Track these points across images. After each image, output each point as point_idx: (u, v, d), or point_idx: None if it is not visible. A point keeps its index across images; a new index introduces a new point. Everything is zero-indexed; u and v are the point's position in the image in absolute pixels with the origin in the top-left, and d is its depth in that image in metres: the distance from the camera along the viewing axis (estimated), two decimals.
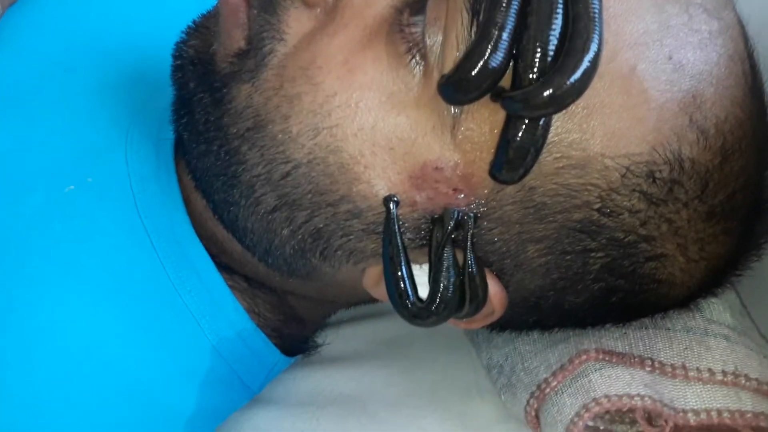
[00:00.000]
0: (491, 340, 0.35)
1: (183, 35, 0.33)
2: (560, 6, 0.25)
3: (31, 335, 0.30)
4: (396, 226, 0.28)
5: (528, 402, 0.31)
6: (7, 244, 0.32)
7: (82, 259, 0.31)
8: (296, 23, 0.29)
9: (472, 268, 0.28)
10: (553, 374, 0.30)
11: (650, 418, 0.28)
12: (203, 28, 0.32)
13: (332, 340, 0.40)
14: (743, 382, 0.28)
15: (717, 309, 0.32)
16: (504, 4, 0.25)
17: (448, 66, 0.26)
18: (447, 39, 0.26)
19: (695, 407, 0.28)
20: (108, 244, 0.32)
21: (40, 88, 0.37)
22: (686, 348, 0.29)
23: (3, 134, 0.36)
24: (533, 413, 0.31)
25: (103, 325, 0.31)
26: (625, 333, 0.30)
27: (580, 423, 0.28)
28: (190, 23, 0.33)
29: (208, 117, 0.30)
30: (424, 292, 0.29)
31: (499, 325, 0.34)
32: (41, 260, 0.31)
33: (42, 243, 0.31)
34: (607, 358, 0.29)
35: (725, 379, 0.28)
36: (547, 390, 0.30)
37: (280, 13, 0.29)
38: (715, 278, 0.31)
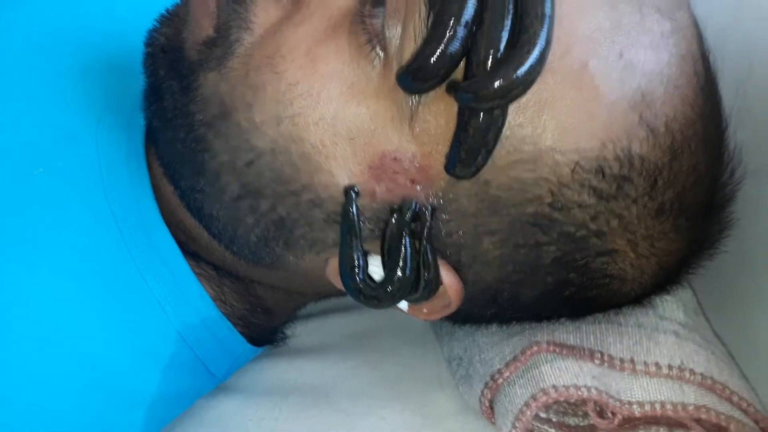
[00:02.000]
0: (453, 333, 0.36)
1: (155, 23, 0.34)
2: (511, 3, 0.25)
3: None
4: (355, 215, 0.29)
5: (482, 392, 0.31)
6: None
7: (49, 241, 0.32)
8: (263, 13, 0.30)
9: (427, 257, 0.29)
10: (506, 365, 0.31)
11: (601, 412, 0.28)
12: (174, 17, 0.33)
13: (300, 332, 0.41)
14: (688, 376, 0.29)
15: (670, 306, 0.32)
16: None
17: (406, 57, 0.27)
18: (405, 31, 0.27)
19: (640, 399, 0.28)
20: (74, 228, 0.33)
21: (12, 68, 0.38)
22: (636, 342, 0.30)
23: None
24: (487, 404, 0.31)
25: (67, 308, 0.31)
26: (579, 327, 0.31)
27: (528, 412, 0.28)
28: (163, 11, 0.34)
29: (176, 104, 0.31)
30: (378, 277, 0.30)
31: (460, 319, 0.34)
32: (7, 241, 0.31)
33: (8, 224, 0.32)
34: (558, 351, 0.30)
35: (671, 373, 0.29)
36: (500, 380, 0.31)
37: (248, 3, 0.30)
38: (667, 276, 0.32)
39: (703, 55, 0.31)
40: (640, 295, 0.32)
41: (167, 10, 0.34)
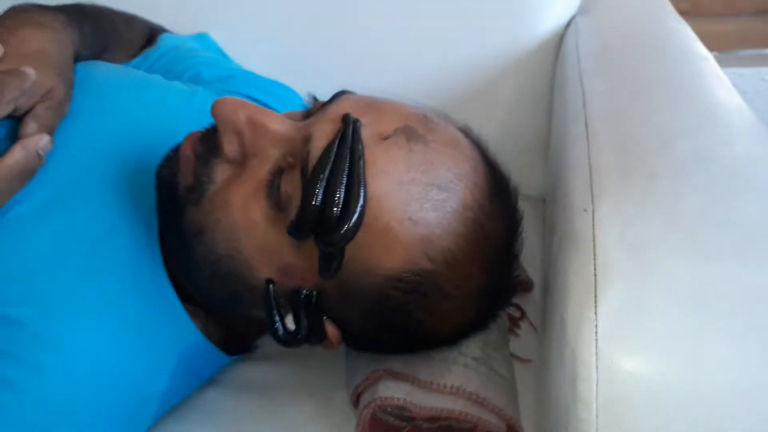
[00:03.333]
0: (349, 353, 0.58)
1: (162, 161, 0.55)
2: (342, 189, 0.45)
3: (57, 342, 0.50)
4: (272, 294, 0.50)
5: (350, 396, 0.53)
6: (55, 285, 0.53)
7: (97, 298, 0.53)
8: (221, 172, 0.51)
9: (315, 317, 0.50)
10: (363, 380, 0.52)
11: (403, 413, 0.49)
12: (173, 160, 0.54)
13: (262, 344, 0.63)
14: (462, 393, 0.49)
15: (471, 345, 0.52)
16: (316, 186, 0.45)
17: (292, 213, 0.47)
18: (292, 198, 0.47)
19: (430, 406, 0.49)
20: (114, 288, 0.54)
21: (79, 178, 0.56)
22: (437, 370, 0.51)
23: (64, 218, 0.56)
24: (354, 402, 0.53)
25: (105, 341, 0.52)
26: (406, 359, 0.52)
27: (365, 411, 0.50)
28: (168, 151, 0.55)
29: (174, 222, 0.53)
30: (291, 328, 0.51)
31: (350, 347, 0.56)
32: (75, 300, 0.53)
33: (75, 288, 0.52)
34: (388, 375, 0.51)
35: (451, 391, 0.49)
36: (359, 390, 0.52)
37: (212, 166, 0.51)
38: (466, 330, 0.52)
39: (486, 171, 0.49)
40: (449, 340, 0.53)
41: (169, 153, 0.55)
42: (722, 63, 0.94)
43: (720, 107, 0.52)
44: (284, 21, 0.84)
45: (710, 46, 1.03)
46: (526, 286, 0.65)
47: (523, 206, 0.83)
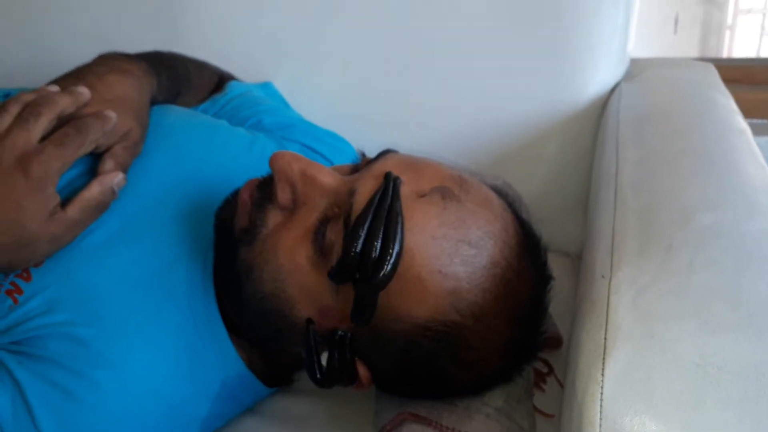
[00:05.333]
0: (380, 396, 0.61)
1: (222, 203, 0.60)
2: (380, 240, 0.50)
3: (115, 362, 0.55)
4: (311, 334, 0.54)
5: None
6: (118, 309, 0.59)
7: (155, 325, 0.58)
8: (273, 217, 0.56)
9: (347, 358, 0.54)
10: (389, 422, 0.56)
11: None
12: (232, 203, 0.59)
13: (299, 378, 0.67)
14: None
15: (493, 395, 0.55)
16: (357, 236, 0.50)
17: (334, 259, 0.52)
18: (335, 245, 0.52)
19: None
20: (170, 320, 0.60)
21: (145, 219, 0.62)
22: (459, 417, 0.54)
23: (132, 248, 0.62)
24: None
25: (160, 365, 0.58)
26: (432, 405, 0.55)
27: None
28: (228, 195, 0.60)
29: (227, 259, 0.58)
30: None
31: (380, 389, 0.59)
32: (135, 329, 0.58)
33: (133, 311, 0.58)
34: (413, 418, 0.54)
35: None
36: (384, 430, 0.56)
37: (266, 211, 0.56)
38: (490, 382, 0.55)
39: (516, 231, 0.53)
40: (473, 390, 0.56)
41: (229, 196, 0.60)
42: None
43: (747, 182, 0.54)
44: (341, 77, 0.90)
45: (760, 114, 1.05)
46: (555, 342, 0.67)
47: (561, 263, 0.87)
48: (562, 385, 0.63)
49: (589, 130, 0.85)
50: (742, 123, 0.68)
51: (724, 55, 2.26)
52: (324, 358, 0.54)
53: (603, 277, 0.44)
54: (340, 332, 0.52)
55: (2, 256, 0.53)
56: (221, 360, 0.61)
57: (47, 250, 0.56)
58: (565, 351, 0.61)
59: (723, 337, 0.39)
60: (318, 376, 0.54)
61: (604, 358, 0.39)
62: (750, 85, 1.13)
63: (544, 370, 0.65)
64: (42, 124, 0.55)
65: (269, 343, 0.60)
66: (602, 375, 0.39)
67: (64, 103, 0.57)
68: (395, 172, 0.52)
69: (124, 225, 0.61)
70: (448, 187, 0.52)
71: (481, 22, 0.85)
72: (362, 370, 0.54)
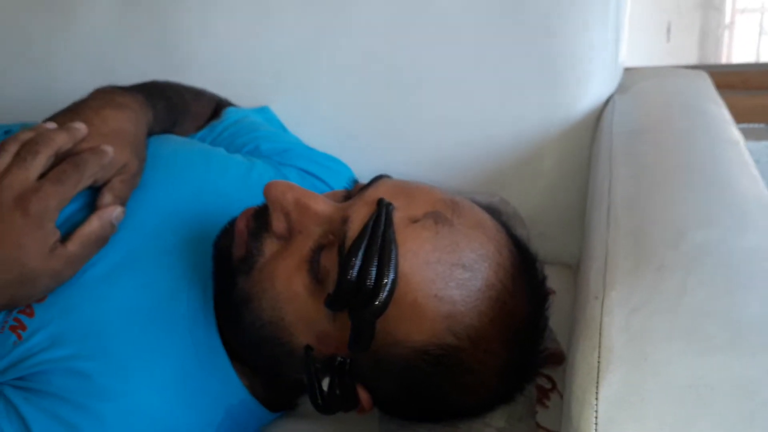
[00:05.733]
0: (383, 418, 0.62)
1: (220, 233, 0.61)
2: (374, 267, 0.50)
3: (119, 394, 0.56)
4: (310, 361, 0.54)
5: None
6: (120, 342, 0.60)
7: (157, 355, 0.59)
8: (269, 246, 0.57)
9: (348, 384, 0.54)
10: None
11: None
12: (229, 233, 0.60)
13: (303, 402, 0.67)
14: None
15: (495, 415, 0.56)
16: (351, 263, 0.50)
17: (330, 286, 0.52)
18: (330, 272, 0.52)
19: None
20: (171, 349, 0.60)
21: (145, 250, 0.63)
22: None
23: (133, 280, 0.63)
24: None
25: (163, 395, 0.58)
26: (431, 427, 0.55)
27: None
28: (226, 224, 0.61)
29: (226, 288, 0.58)
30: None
31: (382, 412, 0.60)
32: (135, 358, 0.59)
33: (135, 343, 0.58)
34: None
35: None
36: None
37: (262, 240, 0.57)
38: (488, 405, 0.56)
39: (510, 252, 0.53)
40: (473, 411, 0.56)
41: (226, 225, 0.61)
42: None
43: (739, 196, 0.55)
44: (338, 100, 0.91)
45: (757, 119, 1.05)
46: (557, 358, 0.68)
47: (563, 275, 0.87)
48: None
49: (584, 143, 0.86)
50: (735, 133, 0.69)
51: (723, 57, 2.26)
52: (325, 384, 0.54)
53: (596, 298, 0.45)
54: (339, 358, 0.53)
55: (4, 293, 0.54)
56: (224, 388, 0.61)
57: (49, 286, 0.57)
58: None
59: (715, 358, 0.39)
60: (320, 402, 0.54)
61: (598, 381, 0.40)
62: (746, 90, 1.13)
63: (548, 386, 0.65)
64: (40, 161, 0.56)
65: (271, 370, 0.60)
66: (596, 399, 0.39)
67: (61, 140, 0.58)
68: (388, 198, 0.52)
69: (125, 257, 0.62)
70: (441, 211, 0.52)
71: (472, 40, 0.86)
72: (363, 395, 0.55)
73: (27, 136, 0.58)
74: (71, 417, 0.54)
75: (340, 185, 0.80)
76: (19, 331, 0.57)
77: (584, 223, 0.71)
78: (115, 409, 0.55)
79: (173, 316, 0.61)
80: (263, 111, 0.94)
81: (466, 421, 0.55)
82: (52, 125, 0.61)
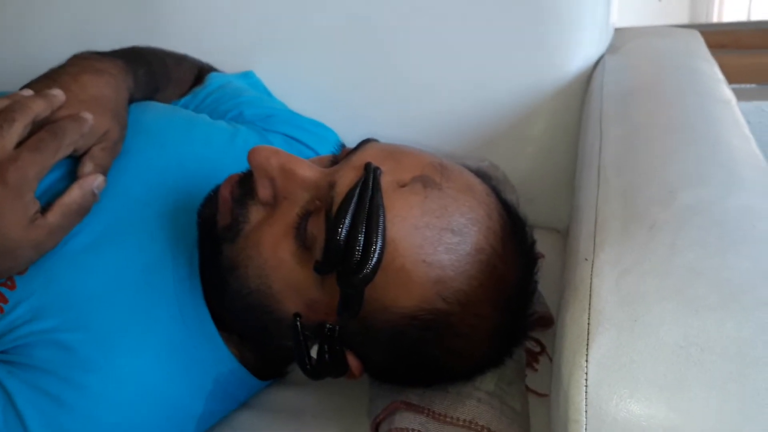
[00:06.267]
0: (374, 384, 0.61)
1: (203, 201, 0.60)
2: (363, 233, 0.49)
3: (104, 366, 0.55)
4: (299, 328, 0.54)
5: (370, 424, 0.57)
6: (105, 312, 0.59)
7: (143, 326, 0.58)
8: (255, 213, 0.56)
9: (337, 349, 0.54)
10: (382, 410, 0.56)
11: None
12: (213, 201, 0.59)
13: (292, 369, 0.67)
14: (474, 426, 0.52)
15: (485, 379, 0.55)
16: (339, 228, 0.49)
17: (317, 253, 0.51)
18: (317, 238, 0.51)
19: None
20: (157, 318, 0.59)
21: (128, 219, 0.62)
22: (451, 403, 0.54)
23: (117, 249, 0.61)
24: (373, 430, 0.56)
25: (151, 366, 0.58)
26: (422, 392, 0.55)
27: None
28: (210, 192, 0.60)
29: (212, 257, 0.58)
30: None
31: (372, 378, 0.59)
32: (121, 328, 0.58)
33: (121, 314, 0.57)
34: (404, 407, 0.54)
35: (464, 424, 0.52)
36: (378, 419, 0.56)
37: (247, 207, 0.56)
38: (478, 369, 0.55)
39: (500, 216, 0.52)
40: (464, 375, 0.56)
41: (210, 193, 0.60)
42: (761, 95, 0.95)
43: (730, 155, 0.54)
44: (323, 63, 0.89)
45: (749, 79, 1.04)
46: (546, 321, 0.67)
47: (552, 239, 0.86)
48: None
49: (574, 106, 0.85)
50: (726, 93, 0.68)
51: (714, 18, 2.24)
52: (314, 351, 0.54)
53: (586, 259, 0.44)
54: (328, 325, 0.52)
55: None
56: (213, 357, 0.61)
57: (30, 257, 0.55)
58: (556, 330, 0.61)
59: (706, 318, 0.39)
60: (308, 368, 0.54)
61: (588, 344, 0.39)
62: (737, 50, 1.12)
63: (536, 349, 0.65)
64: (16, 130, 0.54)
65: (259, 338, 0.60)
66: (586, 361, 0.39)
67: (38, 108, 0.56)
68: (375, 162, 0.51)
69: (107, 227, 0.61)
70: (429, 175, 0.51)
71: (459, 1, 0.84)
72: (352, 361, 0.54)
73: (2, 104, 0.57)
74: (55, 389, 0.53)
75: (326, 151, 0.79)
76: (1, 304, 0.56)
77: (573, 186, 0.70)
78: (99, 381, 0.54)
79: (159, 285, 0.60)
80: (247, 76, 0.92)
81: (455, 386, 0.55)
82: (28, 92, 0.59)
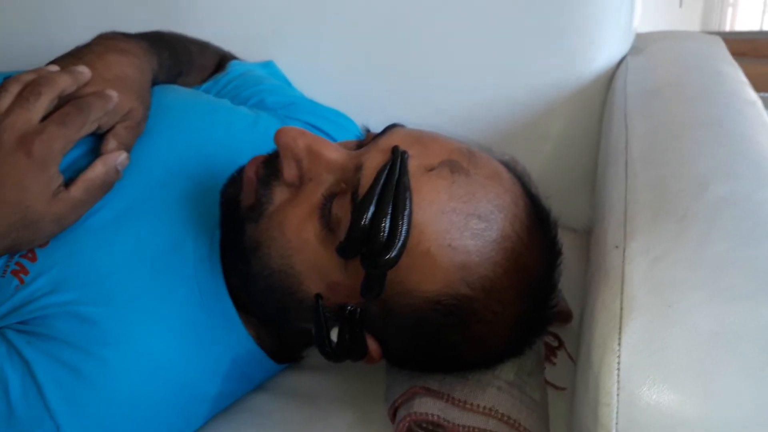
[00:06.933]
0: (390, 369, 0.61)
1: (227, 181, 0.60)
2: (389, 215, 0.49)
3: (123, 340, 0.55)
4: (320, 310, 0.54)
5: (388, 409, 0.56)
6: (125, 288, 0.59)
7: (163, 303, 0.58)
8: (279, 194, 0.55)
9: (357, 333, 0.54)
10: (401, 395, 0.55)
11: (437, 429, 0.52)
12: (237, 181, 0.58)
13: (309, 354, 0.67)
14: (494, 413, 0.52)
15: (504, 368, 0.55)
16: (365, 211, 0.49)
17: (342, 234, 0.51)
18: (342, 221, 0.51)
19: (463, 424, 0.52)
20: (177, 297, 0.59)
21: (149, 198, 0.62)
22: (471, 391, 0.53)
23: (138, 227, 0.61)
24: (391, 415, 0.56)
25: (169, 343, 0.57)
26: (443, 378, 0.55)
27: (401, 425, 0.53)
28: (233, 172, 0.59)
29: (234, 237, 0.57)
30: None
31: (390, 363, 0.59)
32: (139, 300, 0.58)
33: (141, 290, 0.57)
34: (424, 392, 0.54)
35: (484, 411, 0.52)
36: (396, 404, 0.55)
37: (272, 187, 0.55)
38: (498, 358, 0.55)
39: (526, 204, 0.52)
40: (484, 363, 0.55)
41: (234, 174, 0.59)
42: None
43: (759, 152, 0.54)
44: (344, 54, 0.89)
45: (767, 88, 1.04)
46: (565, 316, 0.67)
47: (569, 239, 0.86)
48: (572, 359, 0.63)
49: (595, 107, 0.84)
50: (752, 94, 0.67)
51: (727, 27, 2.24)
52: (334, 333, 0.54)
53: (617, 247, 0.44)
54: (349, 307, 0.52)
55: (6, 237, 0.53)
56: (230, 338, 0.60)
57: (52, 230, 0.55)
58: (576, 326, 0.61)
59: (740, 306, 0.38)
60: (328, 350, 0.53)
61: (620, 328, 0.39)
62: (755, 59, 1.12)
63: (555, 344, 0.65)
64: (43, 103, 0.54)
65: (278, 320, 0.59)
66: (619, 345, 0.39)
67: (65, 83, 0.56)
68: (402, 147, 0.51)
69: (129, 204, 0.61)
70: (457, 160, 0.51)
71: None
72: (372, 344, 0.54)
73: (29, 77, 0.57)
74: (74, 360, 0.53)
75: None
76: (21, 275, 0.56)
77: (596, 184, 0.70)
78: (118, 354, 0.54)
79: (179, 264, 0.60)
80: (268, 65, 0.92)
81: (475, 373, 0.55)
82: (54, 68, 0.59)
